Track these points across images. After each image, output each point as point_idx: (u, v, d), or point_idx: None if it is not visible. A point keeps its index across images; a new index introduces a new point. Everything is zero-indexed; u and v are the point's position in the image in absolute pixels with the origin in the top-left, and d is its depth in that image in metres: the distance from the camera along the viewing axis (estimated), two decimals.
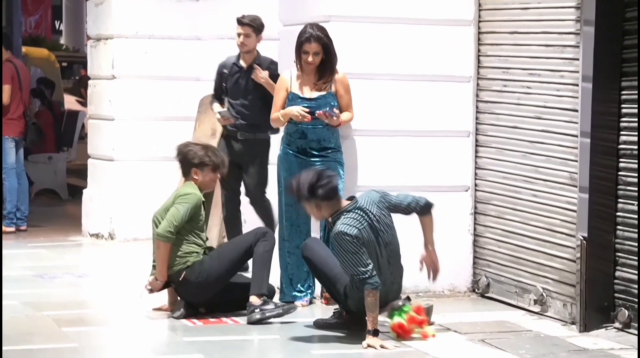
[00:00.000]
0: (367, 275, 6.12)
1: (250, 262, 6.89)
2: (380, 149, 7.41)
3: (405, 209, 6.48)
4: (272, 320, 6.59)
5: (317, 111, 7.02)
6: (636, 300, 6.41)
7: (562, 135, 6.88)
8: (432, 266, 6.54)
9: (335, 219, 6.30)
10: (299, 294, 7.22)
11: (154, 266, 6.85)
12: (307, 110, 7.04)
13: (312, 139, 7.12)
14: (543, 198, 7.04)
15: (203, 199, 6.87)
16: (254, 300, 6.61)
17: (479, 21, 7.60)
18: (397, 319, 6.29)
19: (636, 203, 6.43)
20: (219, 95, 8.34)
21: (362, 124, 7.33)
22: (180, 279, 6.72)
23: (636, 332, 6.38)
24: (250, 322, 6.60)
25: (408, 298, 6.57)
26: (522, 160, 7.22)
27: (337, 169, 7.07)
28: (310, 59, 7.04)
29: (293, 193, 6.37)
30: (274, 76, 7.84)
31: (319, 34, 7.03)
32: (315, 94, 7.14)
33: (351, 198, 6.40)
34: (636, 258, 6.43)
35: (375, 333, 6.14)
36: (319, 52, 7.05)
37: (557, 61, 6.90)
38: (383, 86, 7.48)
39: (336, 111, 7.06)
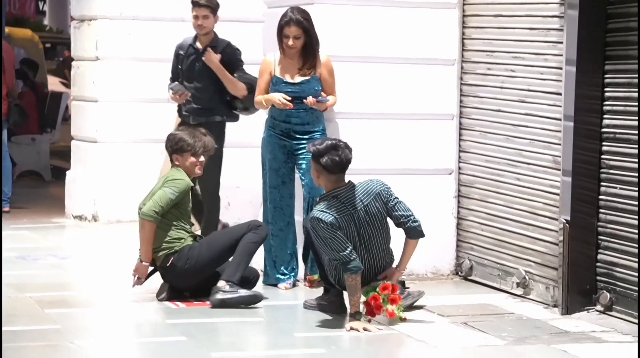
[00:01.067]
0: (346, 259, 6.13)
1: None
2: (364, 132, 7.42)
3: (398, 219, 6.39)
4: (235, 304, 6.58)
5: (305, 99, 7.01)
6: (618, 283, 6.44)
7: (545, 118, 6.89)
8: (388, 278, 6.39)
9: (321, 199, 6.31)
10: (282, 277, 7.23)
11: (155, 269, 6.86)
12: (289, 98, 7.03)
13: (296, 123, 7.13)
14: (526, 181, 7.06)
15: (192, 184, 6.85)
16: (221, 283, 6.62)
17: (464, 4, 7.59)
18: (370, 294, 6.29)
19: (618, 186, 6.45)
20: (175, 78, 8.06)
21: (346, 107, 7.33)
22: (167, 265, 6.71)
23: (618, 315, 6.41)
24: (212, 304, 6.60)
25: (403, 284, 6.60)
26: (506, 143, 7.23)
27: None
28: (290, 42, 7.03)
29: (313, 146, 6.33)
30: (231, 60, 7.76)
31: (299, 18, 7.01)
32: (299, 79, 7.13)
33: (349, 183, 6.37)
34: (618, 241, 6.45)
35: (357, 315, 6.16)
36: (299, 36, 7.03)
37: (541, 44, 6.91)
38: (367, 68, 7.47)
39: (324, 95, 7.05)
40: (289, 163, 7.21)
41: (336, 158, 6.25)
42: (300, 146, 7.09)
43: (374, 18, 7.46)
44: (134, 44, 10.07)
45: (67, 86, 14.61)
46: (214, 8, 7.90)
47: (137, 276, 6.80)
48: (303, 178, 7.15)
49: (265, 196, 7.28)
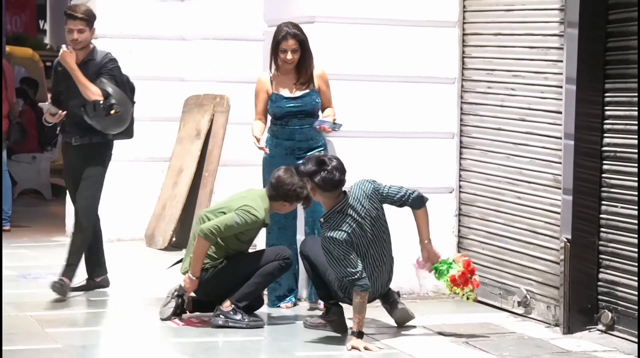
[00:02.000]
0: (356, 276, 6.13)
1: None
2: (365, 151, 7.41)
3: (397, 202, 6.46)
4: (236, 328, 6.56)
5: (318, 126, 6.93)
6: (619, 302, 6.43)
7: (545, 137, 6.89)
8: (433, 260, 6.52)
9: (326, 219, 6.29)
10: (284, 297, 7.19)
11: (181, 260, 6.78)
12: (263, 147, 6.99)
13: (300, 140, 7.08)
14: (527, 199, 7.05)
15: (265, 222, 6.64)
16: (225, 304, 6.58)
17: (464, 23, 7.60)
18: (452, 272, 6.39)
19: (619, 204, 6.44)
20: (57, 96, 7.44)
21: (345, 126, 7.31)
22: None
23: (620, 334, 6.39)
24: (213, 325, 6.58)
25: (398, 294, 6.60)
26: (506, 162, 7.22)
27: None
28: (289, 56, 7.00)
29: (299, 167, 6.34)
30: (108, 74, 7.29)
31: (295, 31, 7.00)
32: (299, 93, 7.10)
33: (344, 194, 6.36)
34: (619, 260, 6.44)
35: (360, 335, 6.14)
36: (297, 50, 7.01)
37: (541, 62, 6.91)
38: (367, 87, 7.47)
39: (334, 119, 6.97)
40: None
41: (329, 176, 6.20)
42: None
43: (374, 36, 7.47)
44: (134, 63, 10.04)
45: None
46: (89, 20, 7.41)
47: (186, 291, 6.67)
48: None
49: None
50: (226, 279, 6.61)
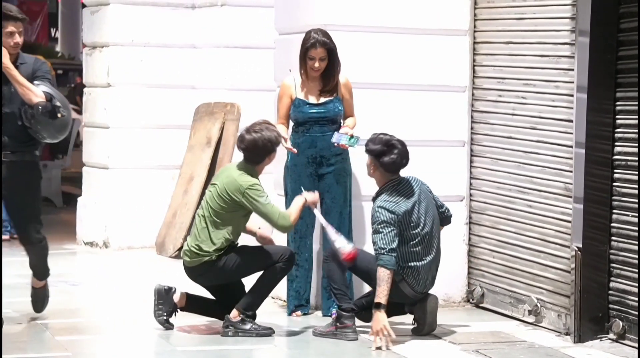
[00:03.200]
0: (383, 252, 6.33)
1: None
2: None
3: (437, 208, 6.74)
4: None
5: (336, 143, 6.88)
6: (630, 311, 6.41)
7: (556, 146, 6.88)
8: None
9: (381, 191, 6.48)
10: (301, 306, 7.19)
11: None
12: (291, 147, 6.97)
13: (322, 147, 7.05)
14: (537, 208, 7.04)
15: None
16: (234, 314, 6.55)
17: (475, 31, 7.61)
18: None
19: (630, 213, 6.43)
20: None
21: (357, 134, 7.31)
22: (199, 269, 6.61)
23: (631, 343, 6.38)
24: (223, 335, 6.57)
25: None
26: (517, 170, 7.22)
27: (346, 179, 7.11)
28: (316, 64, 6.97)
29: (370, 139, 6.52)
30: (45, 77, 6.57)
31: (324, 39, 6.97)
32: (322, 99, 7.08)
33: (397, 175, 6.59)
34: (631, 268, 6.43)
35: (378, 306, 6.27)
36: (324, 58, 6.98)
37: (552, 71, 6.91)
38: (378, 95, 7.48)
39: (351, 134, 6.93)
40: (314, 191, 7.08)
41: (397, 158, 6.48)
42: (328, 173, 7.07)
43: (385, 45, 7.48)
44: (145, 71, 10.11)
45: (79, 112, 14.64)
46: (26, 22, 6.78)
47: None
48: (332, 202, 7.08)
49: None
50: (225, 273, 6.56)
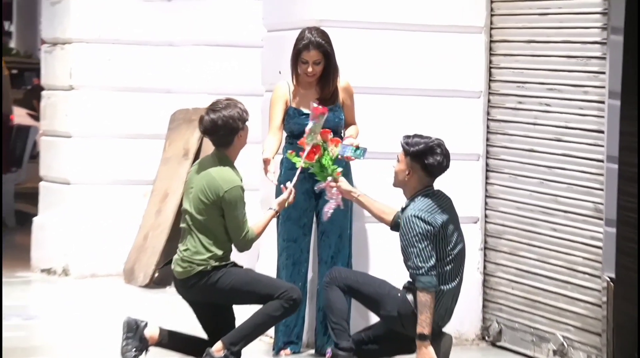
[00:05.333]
0: (421, 272, 6.31)
1: None
2: (377, 173, 7.41)
3: None
4: None
5: (341, 155, 6.80)
6: None
7: (585, 160, 6.91)
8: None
9: (411, 200, 6.50)
10: (291, 343, 7.20)
11: (171, 261, 6.70)
12: (272, 179, 6.89)
13: (316, 190, 6.92)
14: (563, 232, 7.07)
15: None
16: (217, 347, 6.52)
17: (491, 28, 7.64)
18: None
19: None
20: None
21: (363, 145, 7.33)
22: (192, 280, 6.64)
23: None
24: None
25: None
26: (540, 188, 7.25)
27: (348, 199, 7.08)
28: (310, 69, 6.94)
29: (406, 139, 6.53)
30: None
31: (319, 41, 6.94)
32: None
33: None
34: None
35: (422, 338, 6.27)
36: (319, 61, 6.96)
37: (581, 74, 6.94)
38: (381, 101, 7.51)
39: (357, 144, 6.91)
40: (311, 211, 7.14)
41: (442, 159, 6.51)
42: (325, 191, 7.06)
43: (388, 43, 7.51)
44: (114, 72, 10.14)
45: (36, 118, 14.66)
46: None
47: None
48: (330, 223, 7.05)
49: (281, 250, 7.17)
50: (224, 297, 6.58)
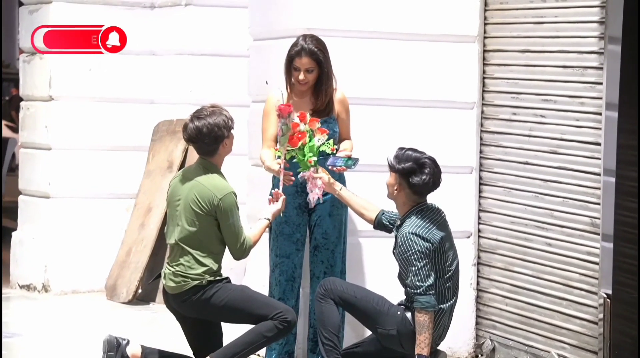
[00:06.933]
0: (419, 291, 6.30)
1: None
2: (370, 185, 7.38)
3: None
4: None
5: (331, 166, 6.80)
6: None
7: (581, 173, 6.91)
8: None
9: (406, 217, 6.48)
10: None
11: (159, 275, 6.69)
12: (287, 173, 6.82)
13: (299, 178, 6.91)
14: (559, 247, 7.07)
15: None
16: None
17: (485, 37, 7.64)
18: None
19: None
20: None
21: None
22: (188, 294, 6.60)
23: None
24: None
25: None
26: (534, 202, 7.24)
27: (340, 211, 7.05)
28: (301, 76, 6.92)
29: (397, 153, 6.54)
30: None
31: (312, 48, 6.91)
32: None
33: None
34: None
35: None
36: (312, 69, 6.93)
37: (577, 85, 6.94)
38: (371, 111, 7.50)
39: (349, 155, 6.89)
40: (304, 226, 7.10)
41: (427, 179, 6.48)
42: (317, 207, 7.02)
43: (378, 53, 7.51)
44: (94, 82, 10.11)
45: (15, 130, 14.63)
46: None
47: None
48: (323, 237, 7.05)
49: (274, 266, 7.14)
50: (217, 314, 6.56)
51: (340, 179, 7.04)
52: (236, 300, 6.54)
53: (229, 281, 6.58)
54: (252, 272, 7.58)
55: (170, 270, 6.58)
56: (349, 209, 7.08)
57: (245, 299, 6.56)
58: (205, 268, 6.50)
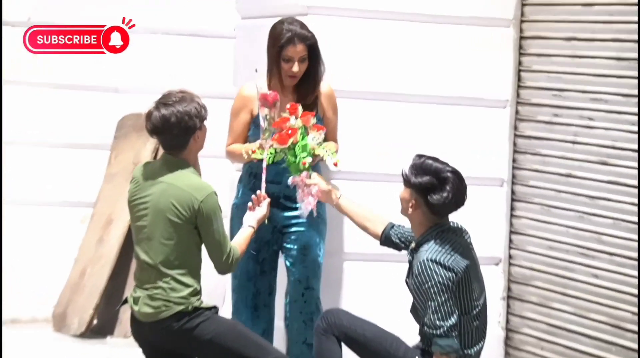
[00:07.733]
0: (440, 332, 6.21)
1: None
2: (376, 198, 7.37)
3: None
4: None
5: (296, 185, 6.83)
6: None
7: (637, 189, 6.90)
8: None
9: (424, 240, 6.37)
10: None
11: (126, 300, 6.70)
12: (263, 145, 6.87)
13: (288, 185, 6.91)
14: (607, 279, 7.08)
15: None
16: None
17: (522, 21, 7.66)
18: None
19: None
20: None
21: (348, 166, 7.31)
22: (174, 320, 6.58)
23: None
24: None
25: None
26: (578, 224, 7.27)
27: (315, 238, 7.05)
28: (295, 68, 6.91)
29: (414, 162, 6.40)
30: None
31: (304, 33, 6.91)
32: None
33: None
34: None
35: None
36: (305, 58, 6.94)
37: (633, 81, 6.94)
38: (381, 109, 7.54)
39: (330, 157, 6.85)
40: (273, 244, 7.15)
41: (450, 197, 6.30)
42: (292, 220, 7.04)
43: (392, 38, 7.53)
44: (46, 65, 10.10)
45: None
46: None
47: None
48: (292, 268, 7.10)
49: (235, 288, 7.24)
50: (210, 350, 6.52)
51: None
52: (225, 335, 6.52)
53: (217, 312, 6.56)
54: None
55: (142, 293, 6.55)
56: (330, 223, 7.09)
57: (235, 337, 6.55)
58: (189, 290, 6.47)
